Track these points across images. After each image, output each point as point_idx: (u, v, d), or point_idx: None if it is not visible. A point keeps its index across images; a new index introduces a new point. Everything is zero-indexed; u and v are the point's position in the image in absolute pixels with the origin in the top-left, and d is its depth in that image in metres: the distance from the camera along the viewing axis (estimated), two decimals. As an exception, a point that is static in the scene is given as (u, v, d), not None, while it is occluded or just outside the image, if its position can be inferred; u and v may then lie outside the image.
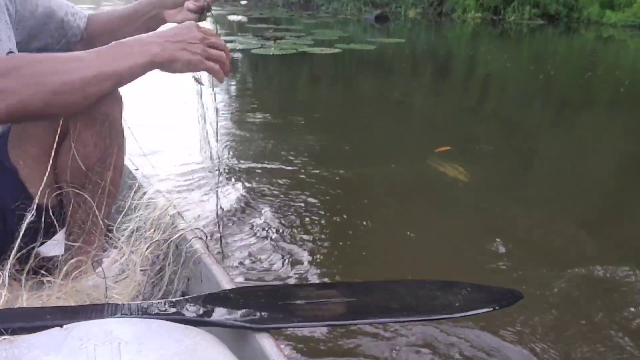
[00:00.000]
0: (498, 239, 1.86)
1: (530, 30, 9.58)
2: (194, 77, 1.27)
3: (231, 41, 7.17)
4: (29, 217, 0.99)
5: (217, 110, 1.35)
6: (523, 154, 3.02)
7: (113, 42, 0.99)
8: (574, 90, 4.87)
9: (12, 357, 0.69)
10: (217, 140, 1.24)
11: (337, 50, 6.48)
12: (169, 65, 1.02)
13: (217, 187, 1.23)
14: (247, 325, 0.82)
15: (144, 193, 1.29)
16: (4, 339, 0.72)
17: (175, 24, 1.12)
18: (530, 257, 1.78)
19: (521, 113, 3.95)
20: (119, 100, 1.16)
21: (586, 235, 1.96)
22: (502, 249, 1.81)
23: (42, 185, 1.05)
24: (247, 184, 2.30)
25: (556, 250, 1.85)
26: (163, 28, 1.11)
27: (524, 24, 10.07)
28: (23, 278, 0.98)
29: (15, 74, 0.90)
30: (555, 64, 6.45)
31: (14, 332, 0.73)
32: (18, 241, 0.98)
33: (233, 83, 4.68)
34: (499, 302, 0.92)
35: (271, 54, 6.15)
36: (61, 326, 0.74)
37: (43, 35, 1.27)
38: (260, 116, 3.55)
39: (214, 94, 1.39)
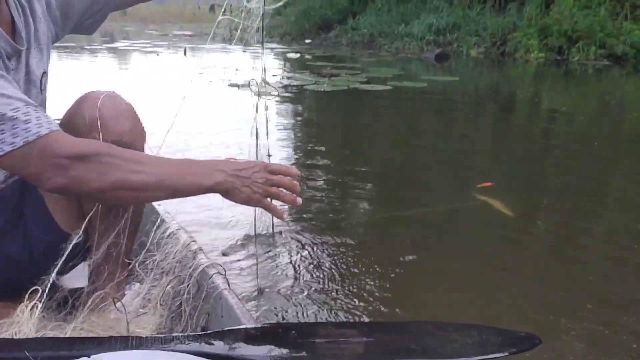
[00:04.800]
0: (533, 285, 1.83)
1: (595, 70, 9.33)
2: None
3: (289, 77, 7.47)
4: (67, 251, 1.06)
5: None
6: (580, 198, 2.89)
7: (184, 159, 1.06)
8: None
9: None
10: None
11: (388, 88, 6.59)
12: (227, 195, 1.07)
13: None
14: None
15: (167, 228, 1.35)
16: None
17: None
18: (564, 305, 1.72)
19: (582, 155, 3.78)
20: (141, 133, 1.22)
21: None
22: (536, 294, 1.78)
23: (91, 217, 1.10)
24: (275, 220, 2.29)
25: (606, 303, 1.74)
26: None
27: (589, 65, 9.82)
28: (38, 307, 1.01)
29: (87, 161, 0.96)
30: (622, 105, 6.26)
31: None
32: (52, 277, 1.04)
33: (278, 114, 4.89)
34: (517, 346, 0.95)
35: (322, 90, 6.34)
36: (88, 356, 0.77)
37: (82, 12, 1.30)
38: (293, 148, 3.68)
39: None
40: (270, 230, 2.16)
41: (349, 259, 2.00)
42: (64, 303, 1.12)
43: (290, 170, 1.10)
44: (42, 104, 1.26)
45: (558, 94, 7.19)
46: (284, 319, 1.59)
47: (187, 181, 1.02)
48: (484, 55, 11.49)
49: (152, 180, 0.99)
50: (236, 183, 1.04)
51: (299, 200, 1.11)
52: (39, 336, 0.97)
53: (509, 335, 0.98)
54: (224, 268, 1.22)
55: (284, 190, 1.09)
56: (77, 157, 0.96)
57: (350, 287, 1.78)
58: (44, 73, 1.24)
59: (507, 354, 0.91)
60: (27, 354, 0.77)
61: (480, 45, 11.79)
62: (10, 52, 1.10)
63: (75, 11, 1.29)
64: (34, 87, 1.20)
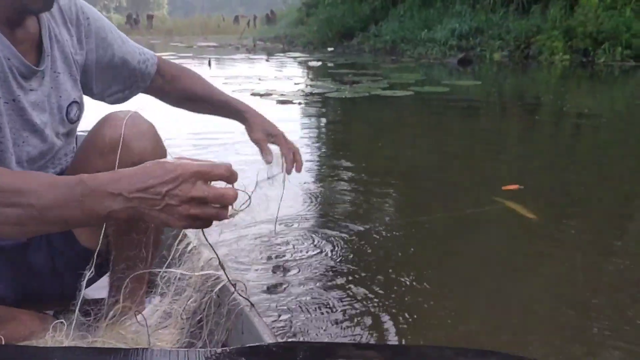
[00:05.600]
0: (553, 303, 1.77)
1: (621, 72, 9.19)
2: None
3: (311, 85, 7.52)
4: (88, 274, 1.03)
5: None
6: (610, 202, 2.81)
7: (77, 177, 0.81)
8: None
9: None
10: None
11: (409, 93, 6.60)
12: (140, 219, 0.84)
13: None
14: None
15: (188, 243, 1.33)
16: None
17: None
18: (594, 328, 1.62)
19: (611, 159, 3.67)
20: (162, 153, 1.21)
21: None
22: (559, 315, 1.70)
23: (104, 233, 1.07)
24: (295, 230, 2.30)
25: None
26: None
27: (615, 66, 9.68)
28: (66, 325, 1.04)
29: None
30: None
31: None
32: (81, 295, 1.02)
33: (301, 119, 4.94)
34: None
35: (344, 97, 6.38)
36: None
37: (117, 82, 1.34)
38: (311, 157, 3.71)
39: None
40: (291, 245, 2.17)
41: (370, 271, 1.97)
42: (85, 313, 1.13)
43: (230, 173, 0.82)
44: (69, 134, 1.24)
45: (584, 97, 7.09)
46: (303, 337, 1.57)
47: (75, 211, 0.80)
48: (508, 58, 11.42)
49: (33, 213, 0.80)
50: (142, 207, 0.78)
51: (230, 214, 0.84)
52: (65, 345, 0.99)
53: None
54: (244, 285, 1.21)
55: (214, 206, 0.80)
56: None
57: (371, 304, 1.74)
58: (74, 102, 1.21)
59: None
60: None
61: (503, 49, 11.72)
62: (24, 71, 1.06)
63: (119, 81, 1.34)
64: (59, 113, 1.17)
